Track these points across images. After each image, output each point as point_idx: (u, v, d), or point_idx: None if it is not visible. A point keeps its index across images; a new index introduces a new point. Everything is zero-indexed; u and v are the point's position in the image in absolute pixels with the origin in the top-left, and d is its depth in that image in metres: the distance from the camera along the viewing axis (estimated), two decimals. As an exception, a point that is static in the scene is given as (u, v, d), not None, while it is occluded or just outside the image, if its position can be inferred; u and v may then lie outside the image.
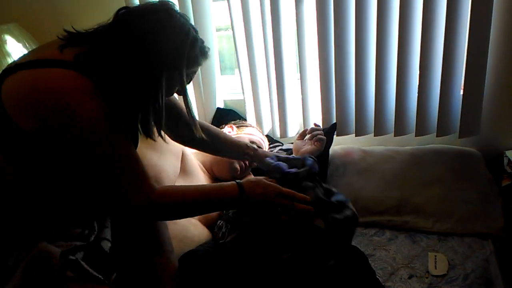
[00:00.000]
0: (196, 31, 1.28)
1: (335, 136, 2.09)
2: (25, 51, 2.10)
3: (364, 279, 1.40)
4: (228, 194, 1.30)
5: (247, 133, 1.97)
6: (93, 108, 1.08)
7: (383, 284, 1.47)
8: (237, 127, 2.01)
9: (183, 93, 1.31)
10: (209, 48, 1.34)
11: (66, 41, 1.17)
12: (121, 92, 1.16)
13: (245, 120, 2.24)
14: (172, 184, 1.59)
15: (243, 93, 2.19)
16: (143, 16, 1.19)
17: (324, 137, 1.86)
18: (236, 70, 2.22)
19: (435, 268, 1.56)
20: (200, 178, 1.78)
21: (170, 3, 1.26)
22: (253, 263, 1.39)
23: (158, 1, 1.25)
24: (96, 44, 1.17)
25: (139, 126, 1.25)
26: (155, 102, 1.20)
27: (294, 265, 1.35)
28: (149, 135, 1.25)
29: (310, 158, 1.53)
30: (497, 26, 1.81)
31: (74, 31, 1.20)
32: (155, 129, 1.28)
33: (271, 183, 1.34)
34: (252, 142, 1.91)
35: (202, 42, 1.30)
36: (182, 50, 1.21)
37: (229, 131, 1.98)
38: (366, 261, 1.46)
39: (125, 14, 1.22)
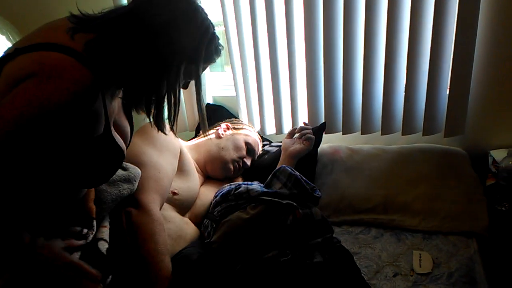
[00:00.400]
0: (214, 27, 1.24)
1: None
2: (9, 44, 2.05)
3: (349, 277, 1.40)
4: (13, 240, 1.04)
5: (244, 134, 1.96)
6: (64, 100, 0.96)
7: (368, 282, 1.47)
8: (234, 127, 1.99)
9: (198, 87, 1.27)
10: (223, 47, 1.31)
11: (76, 25, 1.07)
12: (134, 83, 1.12)
13: (236, 117, 2.23)
14: (170, 182, 1.57)
15: (235, 89, 2.18)
16: (165, 5, 1.12)
17: (313, 136, 1.88)
18: (227, 67, 2.20)
19: (420, 266, 1.57)
20: (195, 177, 1.76)
21: None
22: (238, 262, 1.39)
23: None
24: (112, 32, 1.08)
25: (151, 118, 1.18)
26: (171, 95, 1.15)
27: (279, 263, 1.34)
28: (161, 128, 1.20)
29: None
30: (484, 28, 1.82)
31: (82, 15, 1.12)
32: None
33: (64, 251, 1.13)
34: (247, 143, 1.91)
35: (218, 39, 1.27)
36: (201, 45, 1.18)
37: (225, 129, 1.96)
38: (351, 259, 1.47)
39: (146, 1, 1.14)
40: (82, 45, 1.03)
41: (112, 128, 1.18)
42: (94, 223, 1.25)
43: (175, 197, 1.60)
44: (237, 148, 1.90)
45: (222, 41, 1.29)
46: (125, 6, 1.16)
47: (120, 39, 1.08)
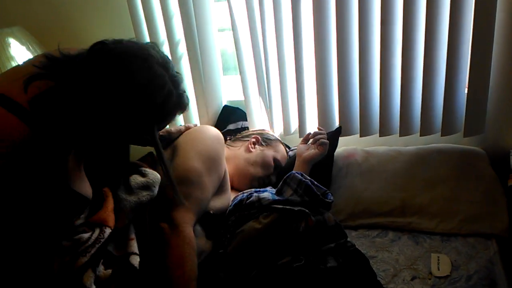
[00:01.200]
0: (175, 81, 1.19)
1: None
2: (29, 54, 2.11)
3: (364, 281, 1.39)
4: None
5: (273, 150, 1.94)
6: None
7: (385, 286, 1.46)
8: (263, 141, 1.96)
9: (157, 152, 1.22)
10: (188, 99, 1.26)
11: (37, 72, 1.06)
12: (85, 143, 1.11)
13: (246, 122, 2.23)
14: (208, 203, 1.55)
15: (244, 93, 2.18)
16: (115, 61, 1.08)
17: (327, 141, 1.88)
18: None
19: (438, 269, 1.55)
20: (229, 194, 1.72)
21: (153, 46, 1.17)
22: (253, 269, 1.40)
23: (139, 45, 1.16)
24: (63, 83, 1.06)
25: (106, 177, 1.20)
26: (120, 155, 1.15)
27: (292, 269, 1.35)
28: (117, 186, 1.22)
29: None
30: (501, 24, 1.79)
31: (51, 57, 1.10)
32: None
33: None
34: (276, 159, 1.91)
35: (180, 94, 1.21)
36: (152, 108, 1.13)
37: (254, 142, 1.94)
38: (367, 262, 1.46)
39: (99, 53, 1.09)
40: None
41: (80, 169, 1.20)
42: (107, 230, 1.23)
43: (208, 216, 1.58)
44: (266, 165, 1.88)
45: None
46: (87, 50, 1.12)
47: (71, 93, 1.05)
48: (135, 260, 1.24)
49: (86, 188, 1.22)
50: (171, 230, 1.36)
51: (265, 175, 1.89)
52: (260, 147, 1.94)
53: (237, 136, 2.05)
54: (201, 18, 2.08)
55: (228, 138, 2.07)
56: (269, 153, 1.92)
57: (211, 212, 1.57)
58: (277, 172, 1.94)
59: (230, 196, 1.73)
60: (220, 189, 1.64)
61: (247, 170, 1.86)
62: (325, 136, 1.92)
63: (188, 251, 1.35)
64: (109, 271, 1.19)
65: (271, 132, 2.09)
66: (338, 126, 2.04)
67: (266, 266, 1.39)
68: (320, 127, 2.02)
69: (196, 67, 2.17)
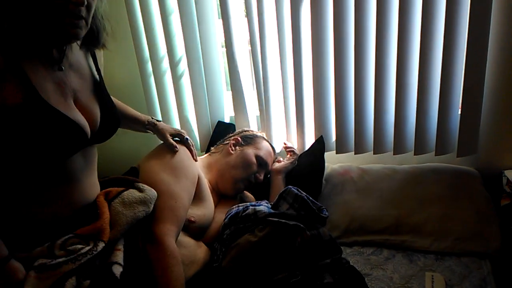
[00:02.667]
0: None
1: (334, 153, 2.12)
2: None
3: (359, 299, 1.39)
4: None
5: (254, 147, 1.93)
6: None
7: (379, 304, 1.46)
8: (243, 140, 1.95)
9: None
10: None
11: None
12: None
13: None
14: (187, 211, 1.54)
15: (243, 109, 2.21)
16: None
17: (297, 152, 2.06)
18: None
19: (432, 288, 1.56)
20: (211, 202, 1.72)
21: None
22: (249, 284, 1.40)
23: None
24: None
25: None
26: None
27: (289, 284, 1.35)
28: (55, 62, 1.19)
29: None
30: (495, 45, 1.82)
31: None
32: None
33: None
34: (258, 157, 1.90)
35: None
36: None
37: (233, 144, 1.93)
38: (362, 280, 1.46)
39: None
40: None
41: (68, 103, 1.21)
42: (100, 244, 1.23)
43: (192, 225, 1.57)
44: (247, 165, 1.86)
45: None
46: None
47: None
48: (117, 270, 1.23)
49: (78, 117, 1.22)
50: (151, 245, 1.37)
51: (249, 174, 1.86)
52: (240, 148, 1.92)
53: (219, 142, 2.03)
54: (205, 34, 2.11)
55: (211, 148, 2.05)
56: (249, 151, 1.90)
57: (193, 219, 1.57)
58: (265, 170, 1.93)
59: (212, 204, 1.73)
60: (197, 197, 1.63)
61: (228, 173, 1.84)
62: (293, 147, 2.08)
63: (171, 262, 1.35)
64: (87, 282, 1.18)
65: (253, 131, 2.06)
66: (319, 136, 2.08)
67: (263, 282, 1.38)
68: (285, 141, 2.14)
69: (200, 83, 2.20)
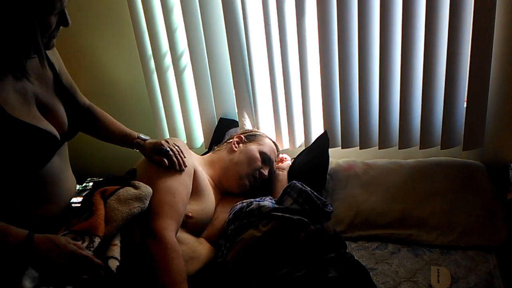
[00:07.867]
0: None
1: (339, 148, 2.11)
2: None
3: (364, 292, 1.39)
4: (9, 238, 1.11)
5: (257, 143, 1.93)
6: None
7: (385, 298, 1.46)
8: (246, 138, 1.95)
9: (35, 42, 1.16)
10: None
11: None
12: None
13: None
14: (185, 206, 1.54)
15: (250, 106, 2.21)
16: None
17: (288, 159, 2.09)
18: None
19: (438, 282, 1.54)
20: (211, 197, 1.72)
21: None
22: (253, 279, 1.40)
23: None
24: None
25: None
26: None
27: (293, 279, 1.35)
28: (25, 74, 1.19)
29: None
30: (500, 38, 1.81)
31: None
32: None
33: (69, 242, 1.16)
34: (262, 152, 1.89)
35: None
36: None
37: (237, 141, 1.93)
38: (367, 274, 1.45)
39: None
40: None
41: (33, 111, 1.22)
42: (96, 239, 1.24)
43: (190, 220, 1.57)
44: (251, 160, 1.86)
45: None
46: None
47: None
48: (113, 264, 1.24)
49: (44, 124, 1.24)
50: (151, 240, 1.37)
51: (253, 170, 1.86)
52: (243, 145, 1.92)
53: (222, 141, 2.04)
54: (209, 29, 2.11)
55: (214, 146, 2.06)
56: (253, 147, 1.90)
57: (190, 214, 1.57)
58: (269, 166, 1.93)
59: (213, 199, 1.73)
60: (194, 191, 1.63)
61: (232, 170, 1.84)
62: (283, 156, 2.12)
63: (172, 255, 1.35)
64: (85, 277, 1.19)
65: (255, 130, 2.08)
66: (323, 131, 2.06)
67: (267, 276, 1.38)
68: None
69: (205, 79, 2.21)
